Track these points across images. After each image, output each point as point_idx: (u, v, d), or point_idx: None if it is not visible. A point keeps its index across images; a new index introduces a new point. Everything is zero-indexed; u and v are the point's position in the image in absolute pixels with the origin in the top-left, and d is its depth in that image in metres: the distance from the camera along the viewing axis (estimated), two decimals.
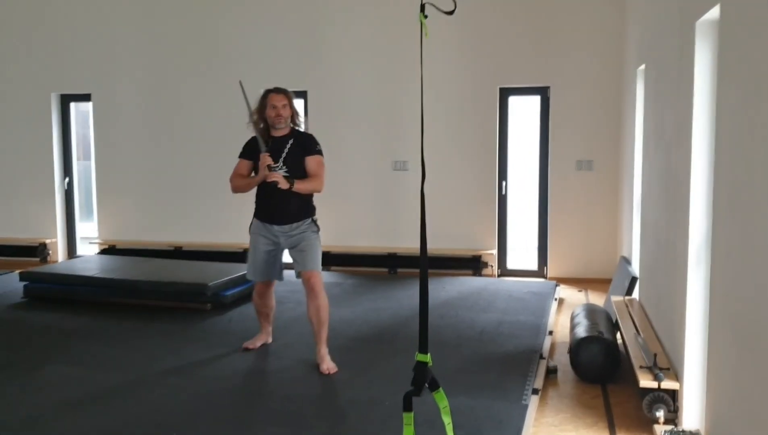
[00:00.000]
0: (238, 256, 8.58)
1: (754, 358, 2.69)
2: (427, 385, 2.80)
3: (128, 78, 9.28)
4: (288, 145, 4.87)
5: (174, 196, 9.25)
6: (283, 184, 4.71)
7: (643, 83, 6.02)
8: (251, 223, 5.05)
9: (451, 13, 2.95)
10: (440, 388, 2.83)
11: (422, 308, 2.83)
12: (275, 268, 5.07)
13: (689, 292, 3.81)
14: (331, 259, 8.40)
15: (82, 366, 4.97)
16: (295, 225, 4.89)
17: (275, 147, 4.86)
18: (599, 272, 8.05)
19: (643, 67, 6.02)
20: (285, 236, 4.91)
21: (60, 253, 9.74)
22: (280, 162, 4.83)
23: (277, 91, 4.90)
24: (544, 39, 8.10)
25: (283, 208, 4.84)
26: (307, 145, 4.90)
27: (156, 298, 6.62)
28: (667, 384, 3.95)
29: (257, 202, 4.99)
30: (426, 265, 2.85)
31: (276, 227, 4.89)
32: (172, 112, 9.20)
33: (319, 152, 4.92)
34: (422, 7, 2.85)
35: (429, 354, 2.83)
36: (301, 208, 4.91)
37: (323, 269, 8.43)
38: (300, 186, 4.77)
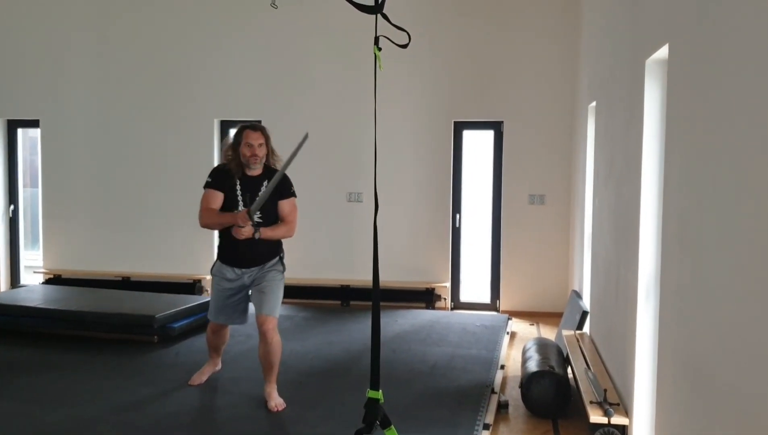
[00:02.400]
0: (187, 288, 8.43)
1: (702, 393, 2.71)
2: (378, 422, 2.76)
3: (78, 104, 9.13)
4: (262, 187, 4.59)
5: (122, 225, 9.07)
6: (248, 234, 4.47)
7: (594, 120, 6.12)
8: (214, 265, 4.82)
9: (405, 46, 2.97)
10: (392, 426, 2.79)
11: (374, 344, 2.80)
12: (239, 311, 4.88)
13: (639, 327, 3.85)
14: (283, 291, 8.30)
15: (24, 401, 4.80)
16: (266, 266, 4.74)
17: (248, 188, 4.62)
18: (551, 306, 8.10)
19: (594, 103, 6.14)
20: (250, 275, 4.74)
21: (2, 282, 9.44)
22: (239, 208, 4.63)
23: (254, 128, 4.64)
24: (498, 74, 8.21)
25: (252, 252, 4.62)
26: (282, 187, 4.60)
27: (102, 329, 6.44)
28: (617, 419, 3.97)
29: (223, 245, 4.75)
30: (378, 302, 2.83)
31: (242, 268, 4.73)
32: (122, 140, 9.05)
33: (293, 194, 4.73)
34: (376, 40, 2.87)
35: (381, 390, 2.79)
36: (270, 251, 4.73)
37: None
38: (268, 234, 4.56)
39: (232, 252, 4.66)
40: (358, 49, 8.06)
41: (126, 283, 8.72)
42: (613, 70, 5.04)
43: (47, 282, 8.98)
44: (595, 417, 3.99)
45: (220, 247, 4.79)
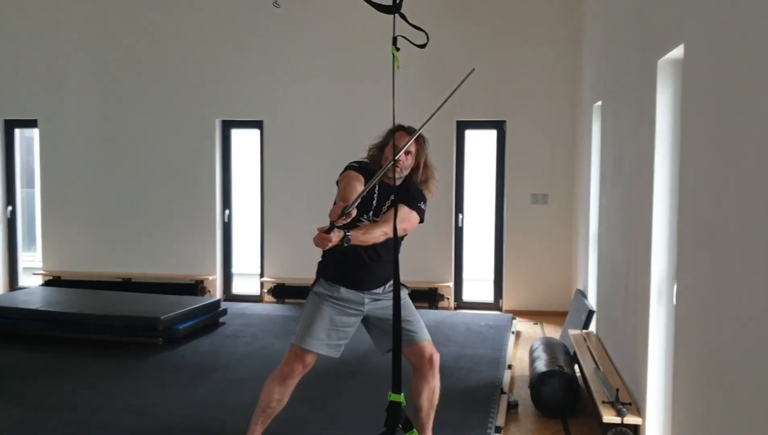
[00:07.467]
0: (189, 288, 8.38)
1: (723, 392, 2.69)
2: (400, 425, 2.74)
3: (76, 104, 9.06)
4: (389, 200, 3.81)
5: (123, 225, 9.01)
6: (336, 240, 3.30)
7: (600, 119, 6.10)
8: (317, 285, 3.83)
9: (423, 46, 2.95)
10: (413, 429, 2.77)
11: (395, 347, 2.77)
12: (346, 337, 3.98)
13: (651, 327, 3.83)
14: (287, 291, 8.29)
15: (26, 406, 4.75)
16: (387, 286, 3.91)
17: (378, 198, 3.81)
18: (554, 305, 8.09)
19: (599, 103, 6.12)
20: (372, 300, 3.89)
21: (1, 284, 9.38)
22: (370, 214, 3.82)
23: (409, 132, 3.76)
24: (500, 74, 8.19)
25: (378, 271, 3.86)
26: (409, 198, 3.80)
27: (105, 332, 6.39)
28: (630, 419, 3.96)
29: (338, 263, 3.81)
30: (399, 303, 2.80)
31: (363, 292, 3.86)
32: (120, 140, 8.99)
33: (419, 209, 3.84)
34: (394, 41, 2.85)
35: (402, 394, 2.77)
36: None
37: (279, 302, 8.36)
38: (360, 238, 3.47)
39: (356, 271, 3.82)
40: (360, 49, 8.09)
41: (127, 285, 8.66)
42: (620, 70, 5.03)
43: (47, 284, 8.92)
44: (609, 417, 3.98)
45: (334, 266, 3.85)
